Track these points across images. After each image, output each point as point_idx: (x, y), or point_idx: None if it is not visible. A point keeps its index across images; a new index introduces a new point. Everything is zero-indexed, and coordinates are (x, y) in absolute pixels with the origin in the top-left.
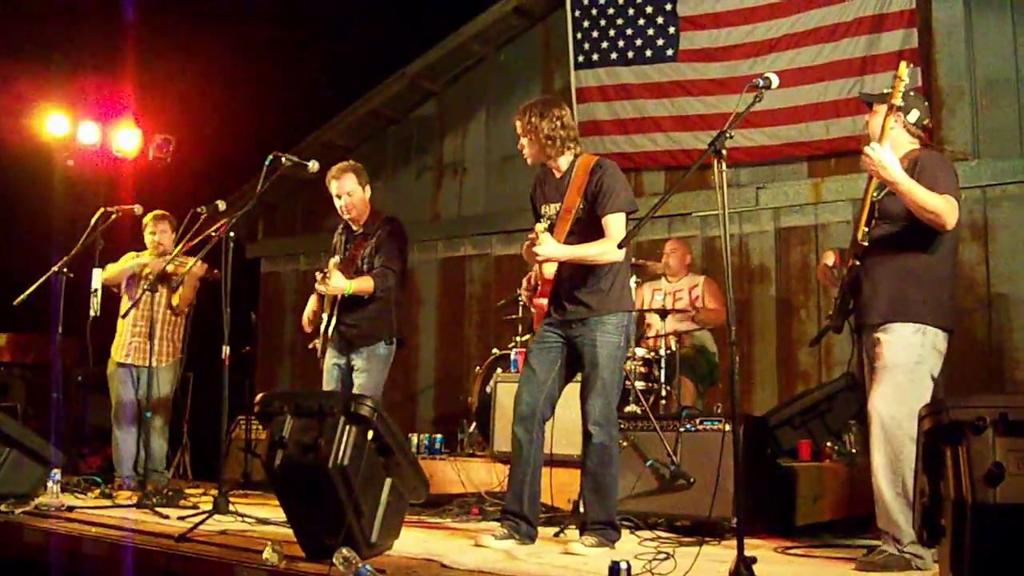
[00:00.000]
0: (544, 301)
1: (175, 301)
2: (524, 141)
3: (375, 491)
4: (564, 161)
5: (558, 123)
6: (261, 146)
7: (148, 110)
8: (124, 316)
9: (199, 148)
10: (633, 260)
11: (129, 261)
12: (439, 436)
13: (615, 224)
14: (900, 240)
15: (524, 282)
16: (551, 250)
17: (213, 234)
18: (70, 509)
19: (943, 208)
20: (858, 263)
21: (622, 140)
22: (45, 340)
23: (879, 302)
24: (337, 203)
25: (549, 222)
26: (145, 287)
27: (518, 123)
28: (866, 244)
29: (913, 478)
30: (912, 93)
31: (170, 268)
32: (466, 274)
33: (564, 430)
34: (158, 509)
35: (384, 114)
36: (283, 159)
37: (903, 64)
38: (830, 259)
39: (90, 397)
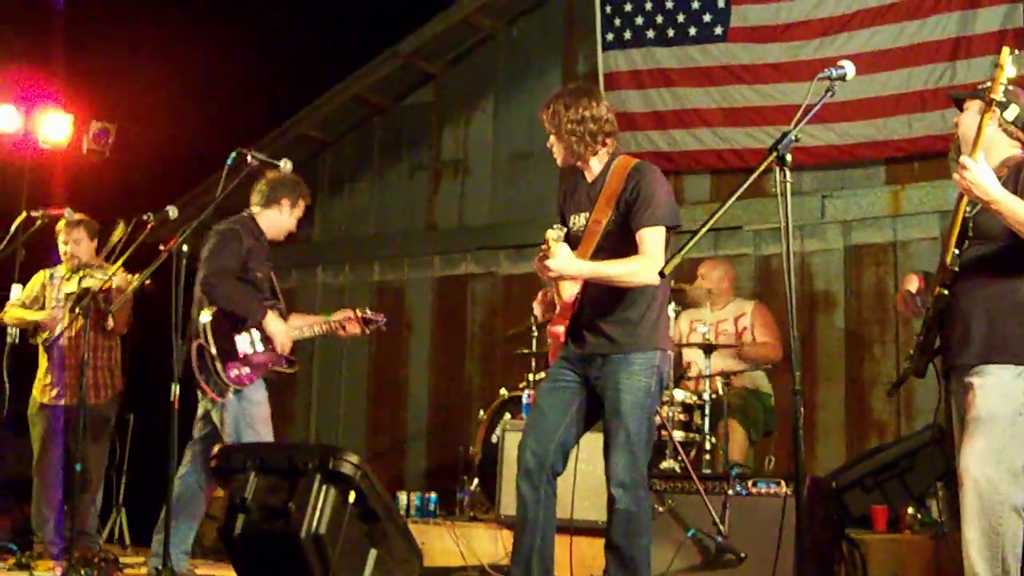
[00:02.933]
0: (561, 329)
1: (109, 324)
2: (552, 138)
3: (357, 565)
4: (597, 163)
5: (586, 115)
6: (222, 138)
7: (84, 94)
8: (48, 345)
9: (148, 141)
10: (672, 284)
11: (37, 284)
12: (433, 495)
13: (651, 239)
14: (999, 265)
15: (539, 295)
16: (565, 264)
17: (162, 248)
18: None
19: None
20: (946, 292)
21: (659, 136)
22: None
23: (972, 340)
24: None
25: (563, 230)
26: (77, 310)
27: (543, 116)
28: (956, 269)
29: (1020, 559)
30: (1011, 87)
31: (92, 284)
32: (468, 297)
33: (588, 489)
34: None
35: (370, 101)
36: (248, 157)
37: (1005, 50)
38: (913, 284)
39: (5, 442)
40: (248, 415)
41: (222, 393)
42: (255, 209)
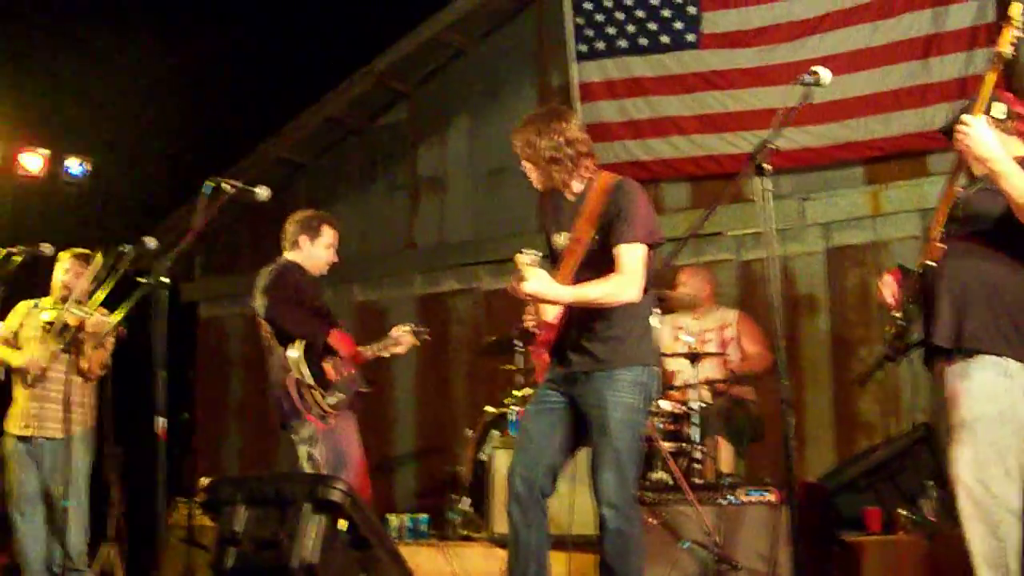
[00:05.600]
0: (545, 350)
1: (83, 364)
2: (527, 164)
3: None
4: (578, 183)
5: (561, 140)
6: (196, 161)
7: (60, 126)
8: (31, 384)
9: (124, 171)
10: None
11: (18, 316)
12: (424, 516)
13: (630, 257)
14: (986, 247)
15: (531, 308)
16: (539, 287)
17: (141, 279)
18: None
19: None
20: (933, 264)
21: (635, 146)
22: None
23: (951, 321)
24: (329, 254)
25: (537, 256)
26: (60, 346)
27: (515, 142)
28: (944, 246)
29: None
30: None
31: (71, 320)
32: (450, 314)
33: (584, 504)
34: None
35: (345, 121)
36: (225, 185)
37: (1016, 5)
38: (897, 275)
39: None
40: (346, 438)
41: (324, 419)
42: (286, 254)
